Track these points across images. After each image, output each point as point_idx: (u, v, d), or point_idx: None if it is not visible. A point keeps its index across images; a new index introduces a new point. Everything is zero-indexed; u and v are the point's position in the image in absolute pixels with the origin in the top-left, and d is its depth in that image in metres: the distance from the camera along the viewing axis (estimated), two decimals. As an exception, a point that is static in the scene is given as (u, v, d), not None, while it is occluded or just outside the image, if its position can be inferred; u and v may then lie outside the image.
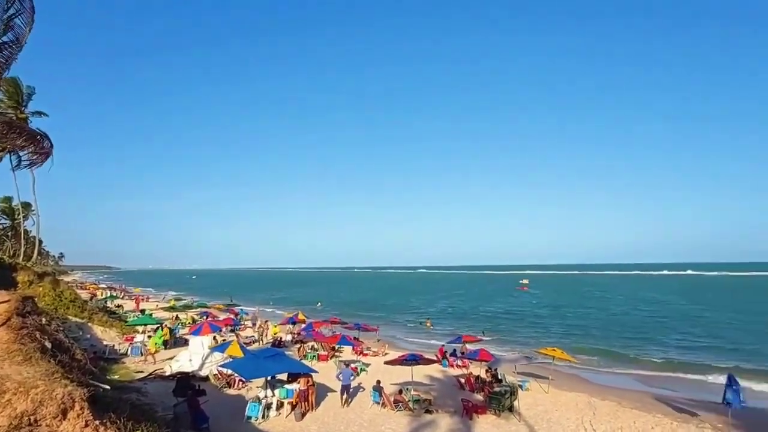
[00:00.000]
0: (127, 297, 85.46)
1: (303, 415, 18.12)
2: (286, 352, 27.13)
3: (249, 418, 17.33)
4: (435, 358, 28.57)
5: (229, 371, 21.33)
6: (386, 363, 24.93)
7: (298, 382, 19.12)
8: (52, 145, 19.18)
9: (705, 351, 36.68)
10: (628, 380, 28.18)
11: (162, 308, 57.76)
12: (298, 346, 33.21)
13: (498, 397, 19.31)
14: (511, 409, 19.18)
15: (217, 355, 24.22)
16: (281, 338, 36.90)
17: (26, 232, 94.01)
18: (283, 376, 20.21)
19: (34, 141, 18.00)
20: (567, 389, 24.13)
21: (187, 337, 33.45)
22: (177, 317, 47.55)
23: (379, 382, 20.88)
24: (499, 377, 23.59)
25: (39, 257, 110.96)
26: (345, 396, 20.27)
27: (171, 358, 26.16)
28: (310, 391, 19.00)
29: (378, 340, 38.24)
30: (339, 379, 20.94)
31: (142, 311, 51.85)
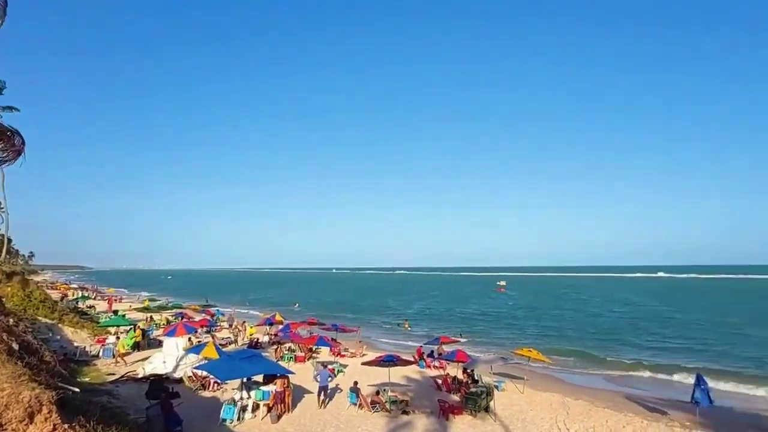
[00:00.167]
0: (99, 297, 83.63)
1: (279, 417, 17.99)
2: (263, 354, 26.87)
3: (224, 420, 17.13)
4: (412, 359, 28.65)
5: (204, 373, 21.05)
6: (364, 364, 24.92)
7: (275, 384, 18.96)
8: (23, 142, 18.61)
9: (675, 351, 37.60)
10: (601, 380, 28.74)
11: (136, 309, 56.67)
12: (275, 347, 32.95)
13: (474, 398, 19.47)
14: (487, 409, 19.35)
15: (192, 357, 23.85)
16: (258, 339, 36.56)
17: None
18: (260, 378, 20.01)
19: (4, 137, 17.44)
20: (542, 389, 24.46)
21: (161, 338, 32.88)
22: (151, 318, 46.71)
23: (356, 383, 20.84)
24: (476, 378, 23.80)
25: (8, 256, 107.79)
26: (322, 397, 20.20)
27: (145, 359, 25.71)
28: (286, 393, 18.87)
29: (359, 341, 38.22)
30: (316, 381, 20.88)
31: (115, 312, 50.75)
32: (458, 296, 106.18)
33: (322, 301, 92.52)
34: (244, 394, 18.42)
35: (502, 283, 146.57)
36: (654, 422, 18.98)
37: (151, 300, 74.10)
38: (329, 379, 21.56)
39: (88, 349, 29.82)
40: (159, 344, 30.96)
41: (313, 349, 32.60)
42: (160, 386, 19.22)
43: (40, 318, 32.00)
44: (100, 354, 28.86)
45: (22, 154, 17.56)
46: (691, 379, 21.16)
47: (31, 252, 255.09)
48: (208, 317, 49.32)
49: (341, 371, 27.19)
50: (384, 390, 20.80)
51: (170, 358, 24.07)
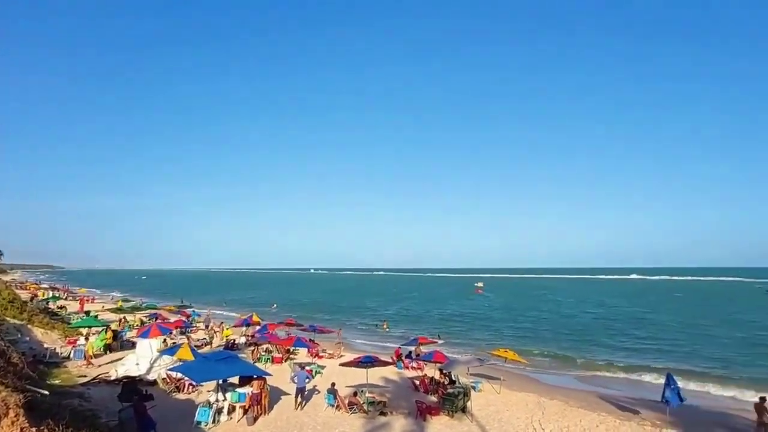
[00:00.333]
0: (70, 298, 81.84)
1: (255, 419, 17.81)
2: (239, 355, 26.60)
3: (199, 423, 16.88)
4: (390, 360, 28.67)
5: (179, 375, 20.73)
6: (342, 365, 24.82)
7: (251, 386, 18.77)
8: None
9: (646, 352, 38.43)
10: (575, 381, 29.23)
11: (108, 310, 55.39)
12: (251, 348, 32.62)
13: (451, 398, 19.58)
14: (464, 409, 19.47)
15: (167, 359, 23.47)
16: (234, 341, 36.14)
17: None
18: (236, 380, 19.78)
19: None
20: (517, 390, 24.75)
21: (134, 339, 32.27)
22: (124, 319, 45.77)
23: (333, 384, 20.78)
24: (453, 379, 23.94)
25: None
26: (299, 399, 20.08)
27: (118, 360, 25.22)
28: (263, 395, 18.69)
29: (340, 342, 38.20)
30: (293, 382, 20.74)
31: (87, 313, 49.60)
32: (436, 297, 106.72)
33: (300, 302, 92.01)
34: (220, 396, 18.20)
35: (480, 284, 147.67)
36: (626, 421, 19.36)
37: (124, 300, 72.56)
38: (306, 380, 21.45)
39: (58, 350, 29.14)
40: (132, 346, 30.44)
41: (291, 350, 32.38)
42: (133, 388, 18.86)
43: (8, 319, 31.14)
44: (71, 356, 28.21)
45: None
46: (661, 379, 21.63)
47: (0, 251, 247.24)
48: (184, 318, 48.58)
49: (319, 372, 27.07)
50: (362, 391, 20.79)
51: (144, 359, 23.67)
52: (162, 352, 24.57)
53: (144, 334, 29.58)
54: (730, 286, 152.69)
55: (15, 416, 7.44)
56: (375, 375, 25.25)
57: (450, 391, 20.63)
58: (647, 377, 29.22)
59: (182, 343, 26.63)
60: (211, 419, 17.07)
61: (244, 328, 40.47)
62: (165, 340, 31.96)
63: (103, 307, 62.82)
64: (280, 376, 24.45)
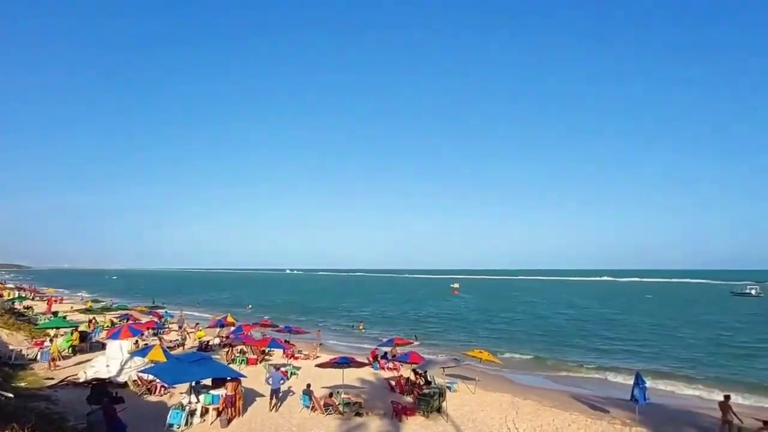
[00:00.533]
0: (38, 298, 79.49)
1: (229, 421, 17.59)
2: (214, 356, 26.22)
3: (171, 425, 16.58)
4: (366, 361, 28.67)
5: (151, 377, 20.33)
6: (317, 366, 24.71)
7: (225, 388, 18.52)
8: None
9: (617, 353, 39.31)
10: (548, 381, 29.68)
11: (77, 310, 53.97)
12: (226, 349, 32.20)
13: (427, 399, 19.69)
14: (439, 410, 19.59)
15: (138, 360, 22.95)
16: (208, 342, 35.63)
17: None
18: (209, 382, 19.49)
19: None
20: (492, 390, 25.01)
21: (104, 341, 31.53)
22: (94, 320, 44.66)
23: (309, 385, 20.66)
24: (429, 379, 24.06)
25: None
26: (274, 400, 19.92)
27: (87, 362, 24.61)
28: (237, 396, 18.47)
29: (320, 344, 38.13)
30: (268, 383, 20.56)
31: (55, 314, 48.23)
32: (413, 298, 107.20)
33: (276, 303, 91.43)
34: (193, 398, 17.91)
35: (456, 285, 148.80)
36: (597, 420, 19.75)
37: (94, 301, 70.77)
38: (281, 381, 21.29)
39: (24, 352, 28.27)
40: (102, 347, 29.76)
41: (266, 351, 32.08)
42: (102, 391, 18.39)
43: (-30, 319, 30.04)
44: (38, 357, 27.40)
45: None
46: (631, 379, 22.13)
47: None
48: (156, 319, 47.67)
49: (294, 374, 26.89)
50: (337, 392, 20.73)
51: (114, 361, 23.12)
52: (133, 354, 24.03)
53: (114, 336, 28.90)
54: (696, 288, 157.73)
55: (-22, 420, 7.19)
56: (351, 376, 25.23)
57: (425, 391, 20.75)
58: (617, 377, 29.89)
59: (154, 345, 26.15)
60: (183, 421, 16.79)
61: (218, 329, 39.97)
62: (137, 341, 31.32)
63: (71, 307, 61.11)
64: (255, 377, 24.20)
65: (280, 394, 20.72)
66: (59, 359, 27.01)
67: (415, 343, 38.16)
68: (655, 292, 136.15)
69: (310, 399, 19.74)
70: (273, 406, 19.72)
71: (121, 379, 22.17)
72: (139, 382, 21.60)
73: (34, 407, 14.54)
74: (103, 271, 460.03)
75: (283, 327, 39.68)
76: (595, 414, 20.92)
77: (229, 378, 18.67)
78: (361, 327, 52.98)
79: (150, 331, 37.89)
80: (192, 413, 17.33)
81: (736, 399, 21.93)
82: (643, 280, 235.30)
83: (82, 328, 36.52)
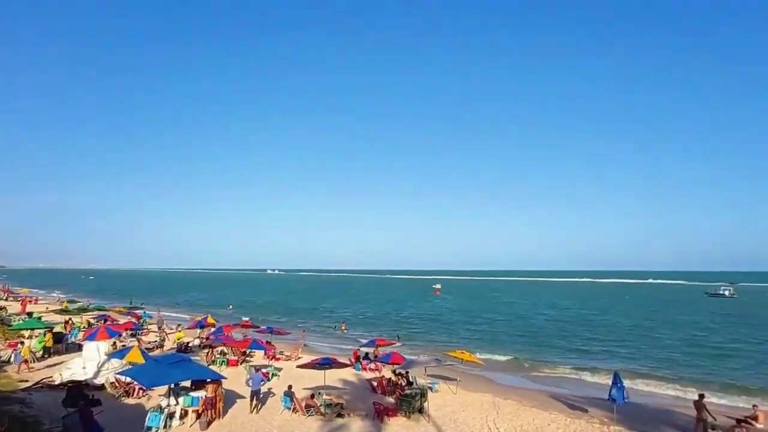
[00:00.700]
0: (11, 298, 77.80)
1: (209, 423, 17.38)
2: (193, 358, 25.91)
3: (149, 428, 16.29)
4: (348, 362, 28.64)
5: (128, 379, 19.98)
6: (299, 367, 24.58)
7: (205, 389, 18.30)
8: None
9: (596, 353, 39.89)
10: (528, 381, 29.98)
11: (53, 311, 52.82)
12: (206, 351, 31.84)
13: (409, 399, 19.72)
14: (421, 410, 19.63)
15: (115, 362, 22.54)
16: (188, 343, 35.18)
17: None
18: (189, 383, 19.22)
19: None
20: (473, 390, 25.16)
21: (81, 342, 30.91)
22: (71, 321, 43.73)
23: (290, 386, 20.55)
24: (411, 380, 24.11)
25: None
26: (254, 402, 19.75)
27: (62, 363, 24.10)
28: (218, 398, 18.26)
29: (304, 344, 37.97)
30: (248, 385, 20.38)
31: (29, 314, 47.14)
32: (395, 299, 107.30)
33: (257, 303, 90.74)
34: (172, 400, 17.64)
35: (438, 286, 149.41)
36: (576, 419, 20.02)
37: (70, 301, 69.31)
38: (262, 382, 21.12)
39: (-3, 354, 27.56)
40: (78, 348, 29.18)
41: (247, 352, 31.80)
42: (78, 393, 18.07)
43: (-60, 321, 29.19)
44: (12, 359, 26.75)
45: None
46: (609, 379, 22.48)
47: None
48: (134, 320, 46.91)
49: (276, 375, 26.71)
50: (319, 393, 20.66)
51: (90, 363, 22.66)
52: (110, 355, 23.59)
53: (91, 337, 28.37)
54: (673, 289, 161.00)
55: (-52, 424, 6.99)
56: (333, 377, 25.14)
57: (407, 392, 20.79)
58: (596, 377, 30.30)
59: (132, 346, 25.72)
60: (162, 424, 16.52)
61: (198, 330, 39.52)
62: (114, 342, 30.80)
63: (47, 308, 59.71)
64: (236, 379, 23.95)
65: (261, 396, 20.56)
66: (33, 361, 26.42)
67: (398, 343, 38.22)
68: (633, 293, 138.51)
69: (292, 400, 19.62)
70: (253, 408, 19.55)
71: (98, 381, 21.75)
72: (117, 385, 21.21)
73: (7, 410, 14.19)
74: (80, 270, 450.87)
75: (264, 328, 39.41)
76: (574, 413, 21.20)
77: (209, 380, 18.47)
78: (343, 328, 52.86)
79: (128, 332, 37.25)
80: (171, 416, 17.07)
81: (710, 398, 22.56)
82: (622, 281, 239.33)
83: (57, 329, 35.78)
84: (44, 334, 31.38)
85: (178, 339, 36.58)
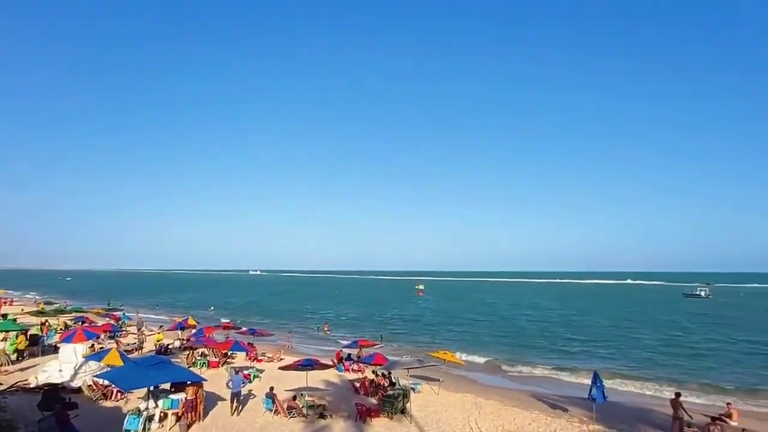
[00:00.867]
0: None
1: (189, 426, 17.18)
2: (174, 360, 25.58)
3: (127, 431, 16.06)
4: (331, 363, 28.53)
5: (106, 382, 19.64)
6: (281, 368, 24.39)
7: (185, 392, 18.07)
8: None
9: (576, 353, 40.42)
10: (510, 381, 30.26)
11: (29, 313, 51.60)
12: (186, 353, 31.46)
13: (391, 400, 19.73)
14: (403, 411, 19.66)
15: (93, 364, 22.18)
16: (168, 345, 34.71)
17: None
18: (169, 386, 18.95)
19: None
20: (455, 390, 25.27)
21: (58, 344, 30.27)
22: (47, 323, 42.78)
23: (272, 388, 20.41)
24: (393, 380, 24.14)
25: None
26: (235, 404, 19.57)
27: (38, 366, 23.58)
28: (198, 401, 18.05)
29: (290, 346, 37.78)
30: (228, 387, 20.19)
31: (4, 316, 45.97)
32: (378, 300, 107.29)
33: (239, 304, 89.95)
34: (151, 403, 17.38)
35: (421, 287, 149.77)
36: (557, 419, 20.27)
37: (47, 303, 67.84)
38: (242, 384, 20.94)
39: (-31, 357, 26.83)
40: (55, 351, 28.62)
41: (228, 354, 31.50)
42: (54, 396, 17.70)
43: None
44: (-17, 363, 26.08)
45: None
46: (589, 379, 22.79)
47: None
48: (113, 322, 46.13)
49: (257, 376, 26.50)
50: (301, 394, 20.56)
51: (67, 365, 22.24)
52: (88, 358, 23.17)
53: (68, 339, 27.85)
54: (652, 290, 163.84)
55: None
56: (315, 378, 25.04)
57: (390, 392, 20.80)
58: (576, 377, 30.70)
59: (111, 348, 25.32)
60: (140, 427, 16.26)
61: (179, 332, 39.03)
62: (92, 345, 30.26)
63: (22, 309, 58.26)
64: (217, 381, 23.70)
65: (241, 398, 20.38)
66: (7, 364, 25.83)
67: (380, 344, 38.23)
68: (613, 293, 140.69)
69: (273, 402, 19.49)
70: (234, 410, 19.38)
71: (75, 384, 21.35)
72: (95, 387, 20.85)
73: (-21, 415, 13.83)
74: (56, 271, 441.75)
75: (246, 329, 39.09)
76: (555, 413, 21.46)
77: (189, 382, 18.25)
78: (325, 329, 52.70)
79: (106, 334, 36.62)
80: (150, 419, 16.82)
81: (686, 397, 23.00)
82: (602, 282, 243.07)
83: (33, 331, 34.97)
84: (16, 336, 30.66)
85: (158, 341, 36.07)
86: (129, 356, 24.40)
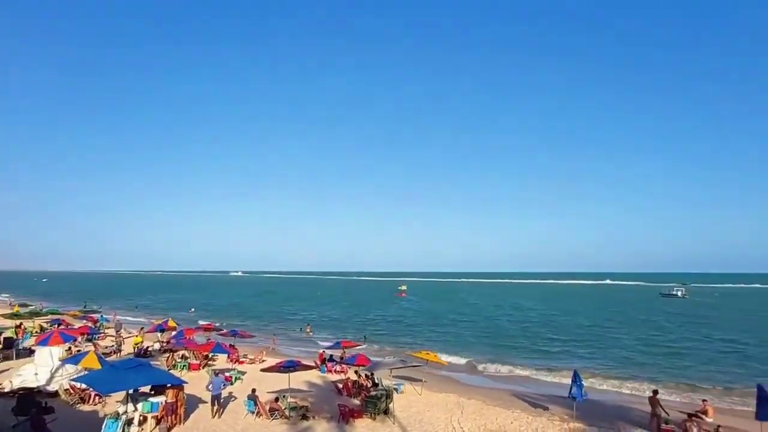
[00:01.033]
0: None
1: (169, 429, 16.97)
2: (153, 363, 25.20)
3: (106, 435, 15.78)
4: (314, 364, 28.41)
5: (84, 385, 19.28)
6: (263, 370, 24.19)
7: (166, 395, 17.83)
8: None
9: (556, 352, 40.96)
10: (492, 380, 30.53)
11: (2, 315, 50.43)
12: (166, 355, 31.03)
13: (374, 401, 19.73)
14: (386, 411, 19.68)
15: (70, 368, 21.75)
16: (147, 347, 34.21)
17: None
18: (149, 389, 18.65)
19: None
20: (438, 390, 25.38)
21: (33, 347, 29.62)
22: (21, 325, 41.81)
23: (254, 390, 20.25)
24: (376, 381, 24.15)
25: None
26: (216, 407, 19.37)
27: (12, 370, 23.05)
28: (179, 404, 17.83)
29: (274, 349, 37.51)
30: (208, 390, 19.97)
31: (-24, 319, 44.90)
32: (360, 301, 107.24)
33: (220, 306, 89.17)
34: (130, 406, 17.08)
35: (403, 287, 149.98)
36: (538, 417, 20.51)
37: (21, 305, 66.39)
38: (223, 386, 20.72)
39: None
40: (30, 354, 28.02)
41: (210, 356, 31.17)
42: (30, 401, 17.31)
43: None
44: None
45: None
46: (569, 378, 23.10)
47: None
48: (91, 324, 45.31)
49: (239, 378, 26.27)
50: (283, 396, 20.43)
51: (43, 369, 21.79)
52: (64, 361, 22.74)
53: (44, 342, 27.23)
54: (631, 290, 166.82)
55: None
56: (298, 379, 24.92)
57: (373, 393, 20.80)
58: (557, 376, 31.07)
59: (88, 351, 24.85)
60: (119, 431, 16.01)
61: (159, 334, 38.51)
62: (69, 347, 29.68)
63: (-5, 312, 57.03)
64: (198, 383, 23.45)
65: (222, 400, 20.19)
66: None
67: (363, 345, 38.23)
68: (593, 294, 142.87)
69: (255, 404, 19.34)
70: (216, 413, 19.17)
71: (52, 388, 20.94)
72: (72, 391, 20.44)
73: (-49, 420, 13.47)
74: (31, 273, 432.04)
75: (227, 331, 38.71)
76: (536, 411, 21.72)
77: (169, 385, 17.99)
78: (308, 330, 52.50)
79: (84, 336, 36.00)
80: (129, 422, 16.54)
81: (664, 395, 23.53)
82: (582, 282, 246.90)
83: (8, 334, 34.21)
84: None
85: (136, 343, 35.54)
86: (107, 359, 24.03)
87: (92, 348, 29.95)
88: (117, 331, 41.41)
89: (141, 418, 17.07)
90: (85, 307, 70.49)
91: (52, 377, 21.42)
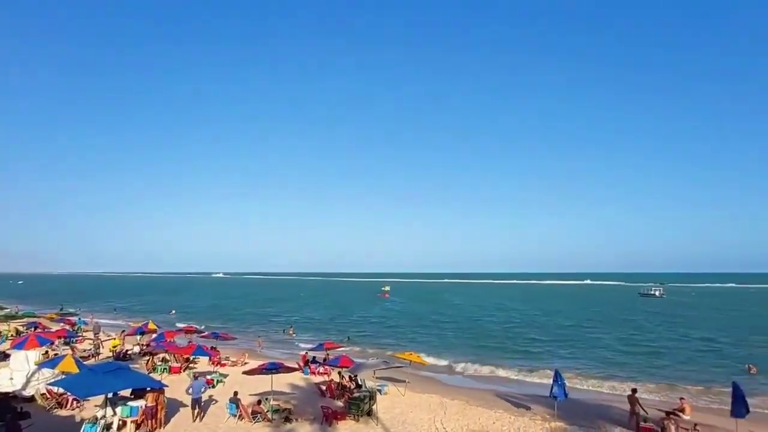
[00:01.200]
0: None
1: (149, 433, 16.69)
2: (133, 366, 24.82)
3: (84, 440, 15.48)
4: (297, 366, 28.28)
5: (61, 389, 18.88)
6: (245, 373, 24.01)
7: (145, 399, 17.55)
8: None
9: (538, 352, 41.35)
10: (475, 381, 30.71)
11: (-24, 319, 49.16)
12: (146, 358, 30.56)
13: (357, 402, 19.71)
14: (369, 413, 19.67)
15: (47, 372, 21.26)
16: (127, 350, 33.65)
17: None
18: (128, 393, 18.33)
19: None
20: (421, 391, 25.47)
21: (8, 351, 28.92)
22: (-5, 329, 40.89)
23: (236, 393, 20.04)
24: (359, 382, 24.11)
25: None
26: (197, 410, 19.13)
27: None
28: (159, 408, 17.56)
29: (258, 350, 37.27)
30: (188, 393, 19.71)
31: (-52, 323, 43.71)
32: (343, 302, 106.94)
33: (201, 308, 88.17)
34: (109, 411, 16.79)
35: (386, 288, 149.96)
36: (520, 416, 20.70)
37: (-4, 308, 64.72)
38: (203, 390, 20.46)
39: None
40: (5, 358, 27.32)
41: (191, 359, 30.77)
42: (5, 406, 16.93)
43: None
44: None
45: None
46: (551, 377, 23.38)
47: None
48: (68, 327, 44.42)
49: (221, 381, 26.00)
50: (266, 399, 20.27)
51: (19, 373, 21.27)
52: (41, 365, 22.21)
53: (19, 345, 26.64)
54: (610, 290, 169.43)
55: None
56: (281, 382, 24.77)
57: (356, 395, 20.78)
58: (539, 376, 31.41)
59: (66, 355, 24.35)
60: (98, 436, 15.72)
61: (138, 337, 37.89)
62: (46, 351, 29.03)
63: (-32, 316, 55.51)
64: (179, 386, 23.13)
65: (203, 404, 19.96)
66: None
67: (346, 347, 38.13)
68: (573, 294, 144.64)
69: (237, 407, 19.16)
70: (196, 416, 18.94)
71: (28, 392, 20.46)
72: (48, 396, 20.02)
73: None
74: (6, 275, 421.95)
75: (209, 333, 38.29)
76: (518, 411, 21.92)
77: (149, 388, 17.71)
78: (291, 332, 52.20)
79: (61, 340, 35.24)
80: (108, 427, 16.26)
81: (643, 393, 23.96)
82: (564, 282, 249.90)
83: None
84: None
85: (113, 346, 34.94)
86: (85, 363, 23.55)
87: (70, 351, 29.38)
88: (95, 334, 40.71)
89: (120, 422, 16.78)
90: (61, 309, 69.05)
91: (28, 382, 20.93)
